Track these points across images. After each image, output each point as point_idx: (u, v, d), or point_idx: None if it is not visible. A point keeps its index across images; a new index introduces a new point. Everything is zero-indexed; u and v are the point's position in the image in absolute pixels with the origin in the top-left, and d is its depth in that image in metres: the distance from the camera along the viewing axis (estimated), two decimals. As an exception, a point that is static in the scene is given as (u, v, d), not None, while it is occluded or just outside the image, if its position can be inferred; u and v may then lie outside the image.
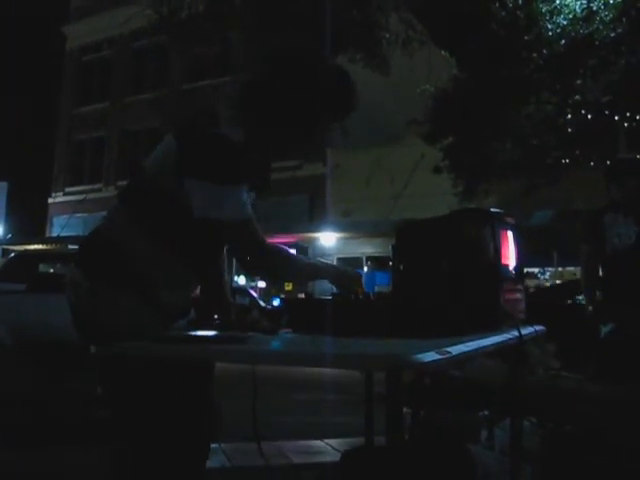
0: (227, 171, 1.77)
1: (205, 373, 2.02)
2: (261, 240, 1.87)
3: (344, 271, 2.07)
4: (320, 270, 2.05)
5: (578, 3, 10.35)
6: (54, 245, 22.22)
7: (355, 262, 20.22)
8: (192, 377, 1.89)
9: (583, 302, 4.64)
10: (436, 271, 2.12)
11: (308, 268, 2.04)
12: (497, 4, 10.44)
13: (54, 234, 26.37)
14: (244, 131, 1.84)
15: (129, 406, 1.85)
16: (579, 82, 10.49)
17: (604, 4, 10.17)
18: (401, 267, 2.27)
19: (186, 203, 1.78)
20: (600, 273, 4.24)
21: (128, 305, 1.82)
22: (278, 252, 1.94)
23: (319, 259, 2.22)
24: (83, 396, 4.56)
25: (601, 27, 10.19)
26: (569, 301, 7.99)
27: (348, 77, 1.94)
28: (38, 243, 23.10)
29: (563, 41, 10.40)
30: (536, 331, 2.23)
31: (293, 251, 2.14)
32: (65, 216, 26.37)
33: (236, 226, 1.81)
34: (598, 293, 4.26)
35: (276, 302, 15.51)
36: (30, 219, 30.16)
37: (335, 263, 1.96)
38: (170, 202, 1.84)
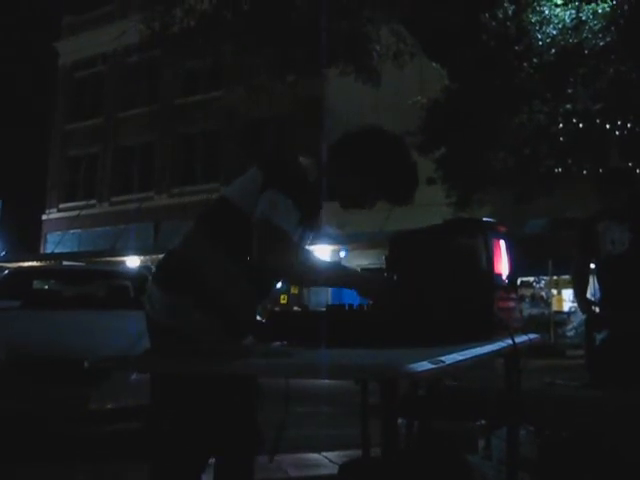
0: (291, 186, 1.94)
1: (250, 387, 2.13)
2: (287, 263, 1.94)
3: (369, 279, 2.15)
4: (345, 279, 2.14)
5: (567, 13, 10.42)
6: (48, 262, 22.14)
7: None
8: (240, 391, 2.05)
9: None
10: (429, 281, 2.12)
11: (333, 276, 2.13)
12: (487, 15, 10.50)
13: (48, 251, 26.30)
14: (319, 175, 2.09)
15: (177, 418, 1.99)
16: (570, 91, 10.54)
17: (593, 14, 10.24)
18: (394, 278, 2.27)
19: None
20: (594, 280, 4.26)
21: (207, 320, 1.96)
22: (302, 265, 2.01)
23: (345, 266, 2.32)
24: (76, 411, 4.53)
25: (590, 36, 10.27)
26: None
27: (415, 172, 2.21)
28: (32, 260, 23.01)
29: (553, 50, 10.46)
30: (530, 339, 2.23)
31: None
32: (59, 232, 26.31)
33: (262, 225, 1.91)
34: (592, 298, 4.28)
35: None
36: (24, 236, 30.04)
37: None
38: (248, 222, 1.96)
